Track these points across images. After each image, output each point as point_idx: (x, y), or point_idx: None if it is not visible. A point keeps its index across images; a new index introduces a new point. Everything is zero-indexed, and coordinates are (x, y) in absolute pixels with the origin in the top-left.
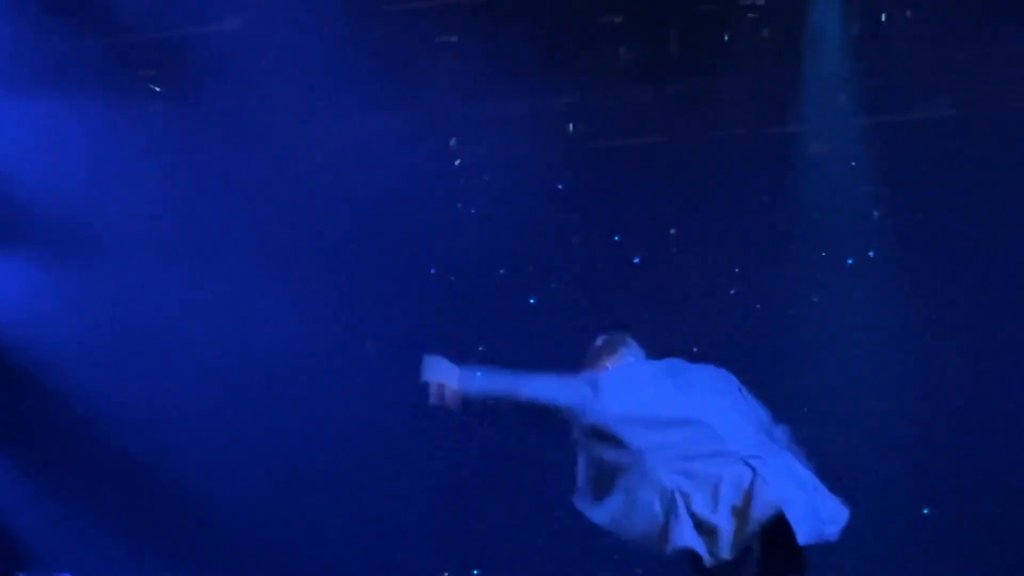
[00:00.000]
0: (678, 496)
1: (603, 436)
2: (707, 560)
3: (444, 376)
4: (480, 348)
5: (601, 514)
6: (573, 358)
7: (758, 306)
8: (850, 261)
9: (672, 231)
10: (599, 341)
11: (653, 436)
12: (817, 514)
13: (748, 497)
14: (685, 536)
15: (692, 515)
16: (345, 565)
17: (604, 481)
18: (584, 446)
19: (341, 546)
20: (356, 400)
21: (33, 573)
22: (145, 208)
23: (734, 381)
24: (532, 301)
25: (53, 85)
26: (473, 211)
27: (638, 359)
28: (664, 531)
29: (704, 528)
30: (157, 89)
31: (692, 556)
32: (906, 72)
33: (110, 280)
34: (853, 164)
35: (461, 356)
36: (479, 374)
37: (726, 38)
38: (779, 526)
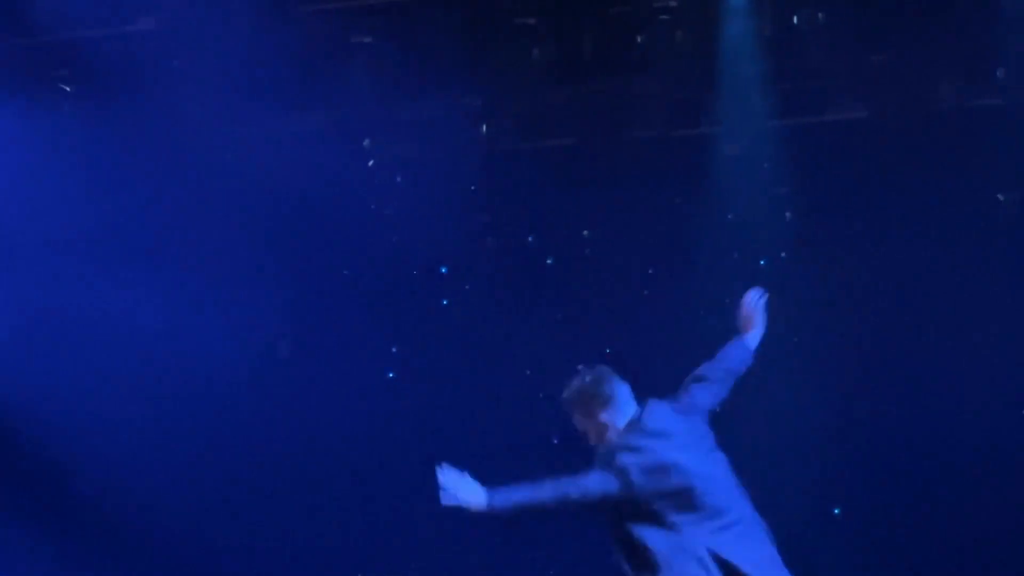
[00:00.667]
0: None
1: (638, 516)
2: None
3: (467, 496)
4: (393, 350)
5: None
6: (485, 358)
7: (671, 307)
8: (763, 262)
9: (585, 232)
10: (587, 381)
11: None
12: None
13: None
14: None
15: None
16: (246, 562)
17: (647, 560)
18: (618, 530)
19: (240, 542)
20: (269, 401)
21: None
22: (56, 209)
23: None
24: (444, 303)
25: None
26: (387, 212)
27: (627, 401)
28: None
29: None
30: (68, 89)
31: None
32: (818, 75)
33: (20, 282)
34: (766, 166)
35: (374, 357)
36: (503, 492)
37: (639, 40)
38: None
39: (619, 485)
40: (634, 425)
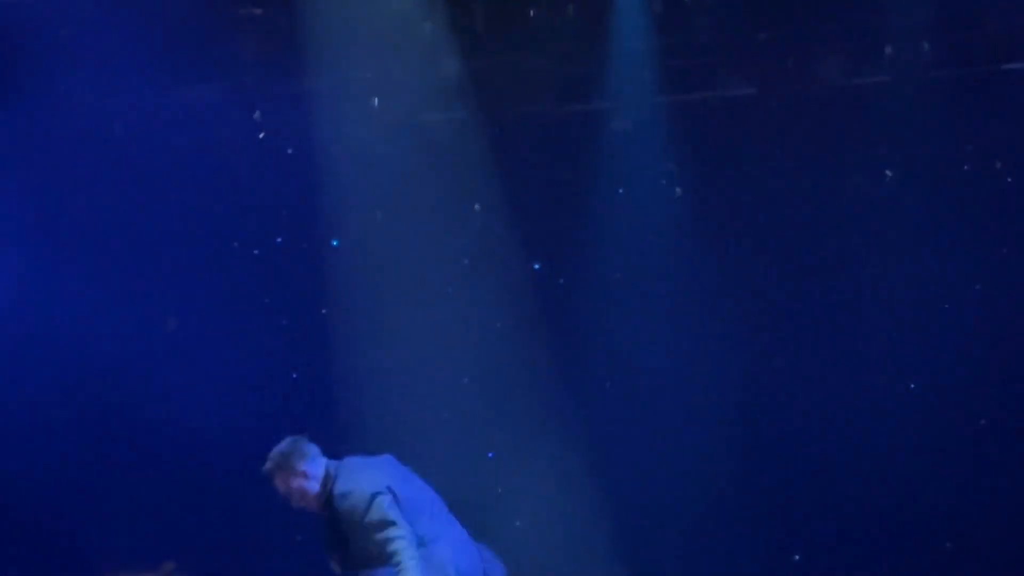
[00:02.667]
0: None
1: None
2: None
3: None
4: (284, 322)
5: None
6: (371, 335)
7: (561, 281)
8: (653, 238)
9: (476, 206)
10: (286, 448)
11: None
12: None
13: None
14: None
15: None
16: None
17: None
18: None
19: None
20: (154, 379)
21: None
22: None
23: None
24: (336, 278)
25: None
26: (276, 185)
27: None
28: None
29: None
30: None
31: None
32: (707, 51)
33: None
34: (656, 142)
35: (265, 330)
36: None
37: (531, 14)
38: None
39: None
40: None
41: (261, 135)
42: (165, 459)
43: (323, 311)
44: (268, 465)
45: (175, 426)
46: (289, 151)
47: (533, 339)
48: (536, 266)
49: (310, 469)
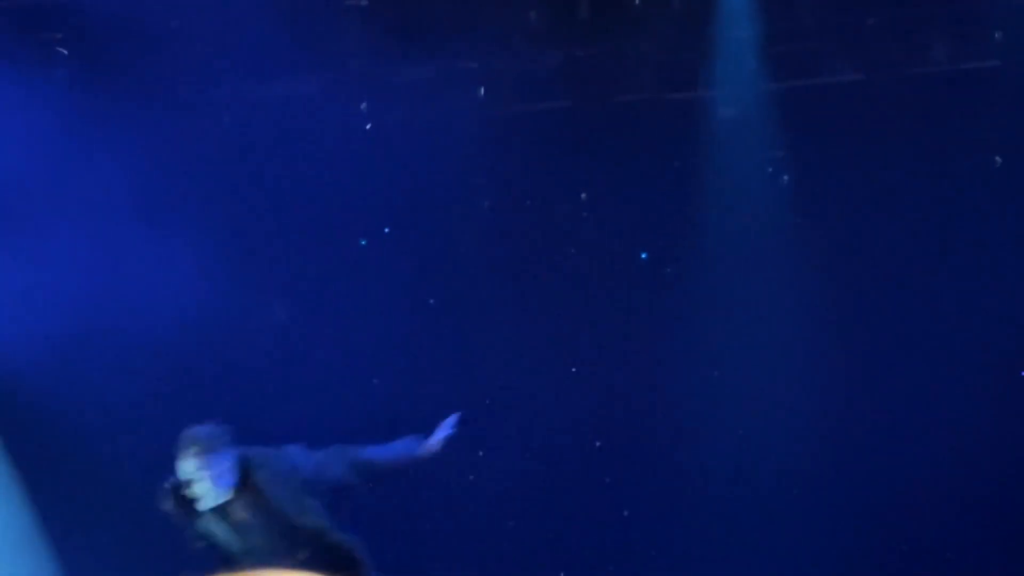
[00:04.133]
0: None
1: None
2: None
3: None
4: (394, 314)
5: None
6: (484, 322)
7: (669, 270)
8: (760, 225)
9: (583, 195)
10: (212, 429)
11: None
12: None
13: None
14: None
15: None
16: None
17: None
18: None
19: None
20: (271, 367)
21: None
22: (54, 175)
23: None
24: (445, 266)
25: None
26: (384, 175)
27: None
28: None
29: None
30: (64, 52)
31: None
32: (813, 37)
33: (25, 250)
34: (761, 129)
35: (370, 321)
36: None
37: (635, 2)
38: None
39: None
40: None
41: (368, 126)
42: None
43: (431, 301)
44: (194, 440)
45: (283, 416)
46: (394, 141)
47: (640, 328)
48: (643, 255)
49: (228, 453)
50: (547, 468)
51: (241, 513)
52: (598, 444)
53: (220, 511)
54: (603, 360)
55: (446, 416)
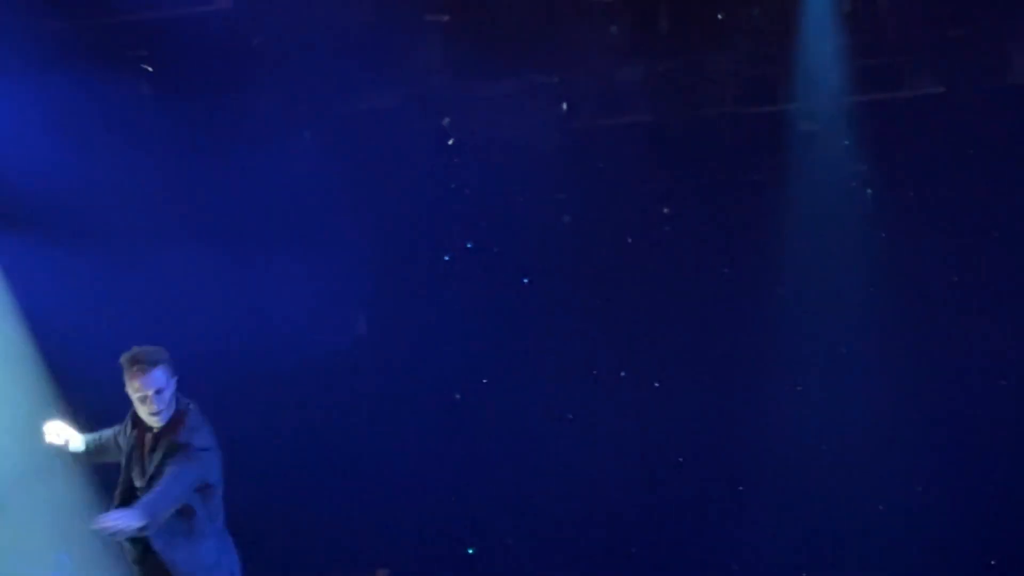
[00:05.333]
0: None
1: None
2: None
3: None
4: (474, 327)
5: None
6: (565, 336)
7: (751, 283)
8: (842, 239)
9: (665, 210)
10: (139, 354)
11: None
12: None
13: None
14: None
15: None
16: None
17: None
18: None
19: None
20: (350, 377)
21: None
22: (134, 189)
23: None
24: (526, 280)
25: (47, 68)
26: (467, 190)
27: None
28: None
29: None
30: (150, 69)
31: None
32: (896, 51)
33: (113, 264)
34: (844, 142)
35: (452, 335)
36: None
37: (718, 16)
38: None
39: None
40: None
41: (450, 141)
42: (362, 460)
43: (507, 313)
44: (157, 355)
45: (357, 426)
46: (476, 156)
47: (721, 341)
48: (725, 269)
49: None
50: (626, 481)
51: (149, 448)
52: (680, 460)
53: (143, 436)
54: (684, 373)
55: (528, 427)
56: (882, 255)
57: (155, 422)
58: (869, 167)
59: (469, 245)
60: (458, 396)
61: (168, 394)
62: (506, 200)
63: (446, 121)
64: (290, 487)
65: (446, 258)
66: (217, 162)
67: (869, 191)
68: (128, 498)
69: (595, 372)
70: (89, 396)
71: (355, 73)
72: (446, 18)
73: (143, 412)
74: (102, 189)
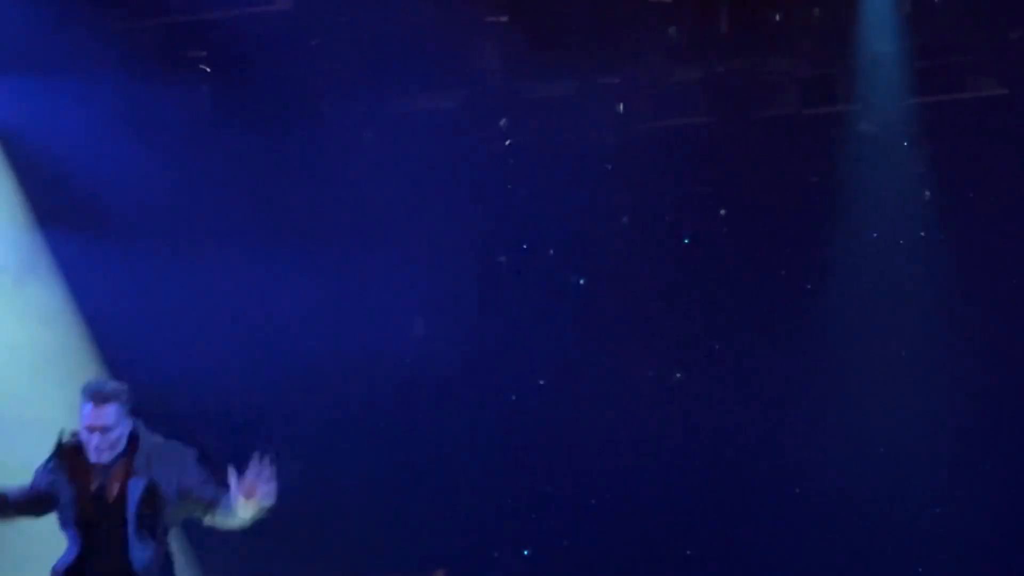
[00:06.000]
0: None
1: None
2: None
3: None
4: (530, 329)
5: None
6: (621, 338)
7: (809, 287)
8: (901, 242)
9: (722, 211)
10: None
11: None
12: None
13: None
14: None
15: None
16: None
17: None
18: None
19: (373, 528)
20: (406, 380)
21: None
22: (192, 192)
23: None
24: (581, 282)
25: (107, 69)
26: (524, 192)
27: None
28: None
29: None
30: (208, 70)
31: None
32: (957, 52)
33: (154, 267)
34: (903, 144)
35: (508, 337)
36: None
37: (777, 17)
38: None
39: None
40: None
41: (507, 142)
42: (407, 460)
43: (566, 316)
44: (113, 387)
45: (412, 427)
46: (533, 157)
47: (779, 344)
48: (783, 271)
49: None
50: (683, 483)
51: (104, 485)
52: (738, 463)
53: (85, 472)
54: (742, 376)
55: (583, 429)
56: (941, 258)
57: (96, 457)
58: (928, 169)
59: (524, 246)
60: (514, 397)
61: (115, 435)
62: (562, 202)
63: (503, 122)
64: (348, 487)
65: (501, 259)
66: (275, 163)
67: (928, 193)
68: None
69: (651, 374)
70: (142, 397)
71: (414, 74)
72: (504, 19)
73: (90, 445)
74: (160, 190)
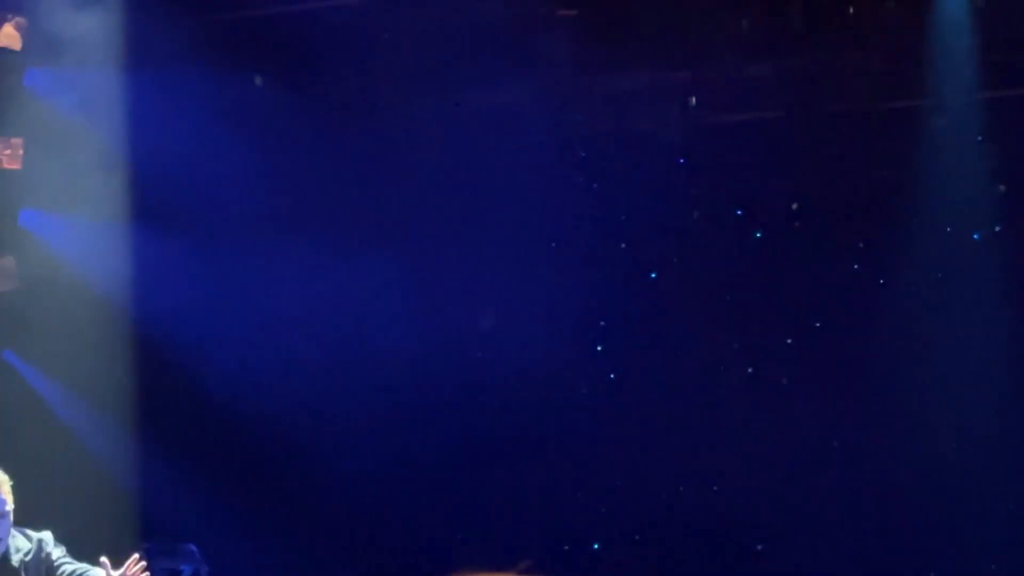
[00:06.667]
0: None
1: None
2: None
3: None
4: (601, 323)
5: None
6: (692, 332)
7: (882, 281)
8: (976, 236)
9: (794, 205)
10: None
11: None
12: None
13: None
14: None
15: None
16: (461, 543)
17: None
18: None
19: (457, 523)
20: (468, 371)
21: (160, 543)
22: (259, 187)
23: None
24: (653, 276)
25: (178, 65)
26: (595, 185)
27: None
28: None
29: None
30: (278, 64)
31: None
32: None
33: (219, 261)
34: (977, 138)
35: (582, 330)
36: None
37: (850, 11)
38: None
39: None
40: None
41: (577, 136)
42: (481, 456)
43: (638, 309)
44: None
45: (484, 422)
46: (603, 151)
47: (851, 338)
48: (855, 266)
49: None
50: (755, 480)
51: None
52: (810, 459)
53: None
54: (813, 370)
55: (654, 424)
56: (1014, 251)
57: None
58: (1002, 163)
59: (595, 241)
60: (584, 391)
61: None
62: (633, 196)
63: (573, 116)
64: (421, 480)
65: (571, 253)
66: (344, 156)
67: (1002, 187)
68: None
69: (722, 368)
70: (213, 391)
71: (483, 68)
72: (574, 13)
73: None
74: (228, 183)
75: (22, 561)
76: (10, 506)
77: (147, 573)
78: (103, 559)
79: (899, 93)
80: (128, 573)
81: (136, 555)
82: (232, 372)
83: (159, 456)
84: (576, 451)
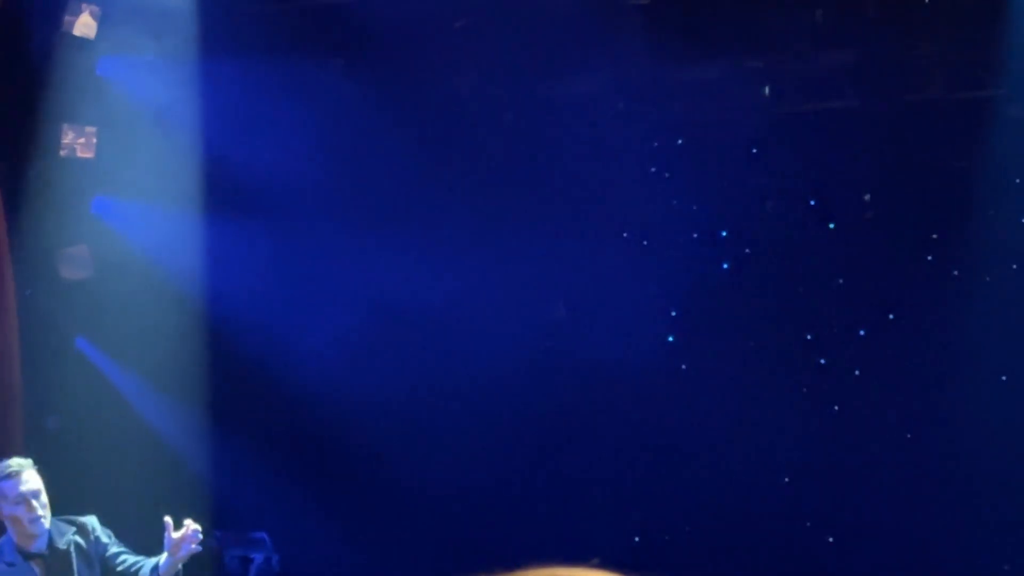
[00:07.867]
0: None
1: None
2: None
3: None
4: (672, 313)
5: None
6: (764, 323)
7: (955, 272)
8: None
9: (867, 196)
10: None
11: None
12: None
13: None
14: None
15: None
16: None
17: None
18: None
19: (514, 522)
20: (545, 365)
21: (232, 531)
22: (332, 178)
23: None
24: (725, 266)
25: (251, 52)
26: (667, 175)
27: None
28: None
29: None
30: (352, 52)
31: None
32: None
33: (324, 249)
34: None
35: (653, 321)
36: None
37: (925, 0)
38: None
39: None
40: None
41: (652, 126)
42: (558, 455)
43: (710, 300)
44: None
45: (552, 414)
46: (679, 142)
47: (924, 331)
48: (929, 257)
49: None
50: (824, 474)
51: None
52: (881, 452)
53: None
54: (885, 362)
55: (723, 417)
56: None
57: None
58: None
59: (668, 231)
60: (656, 383)
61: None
62: (708, 186)
63: (648, 106)
64: (495, 472)
65: (644, 243)
66: (417, 146)
67: None
68: None
69: (793, 359)
70: (286, 380)
71: (557, 57)
72: (648, 2)
73: (26, 520)
74: (302, 171)
75: (70, 542)
76: (40, 486)
77: (200, 537)
78: (167, 519)
79: (974, 83)
80: (186, 535)
81: (190, 520)
82: (306, 361)
83: (231, 444)
84: (648, 443)
